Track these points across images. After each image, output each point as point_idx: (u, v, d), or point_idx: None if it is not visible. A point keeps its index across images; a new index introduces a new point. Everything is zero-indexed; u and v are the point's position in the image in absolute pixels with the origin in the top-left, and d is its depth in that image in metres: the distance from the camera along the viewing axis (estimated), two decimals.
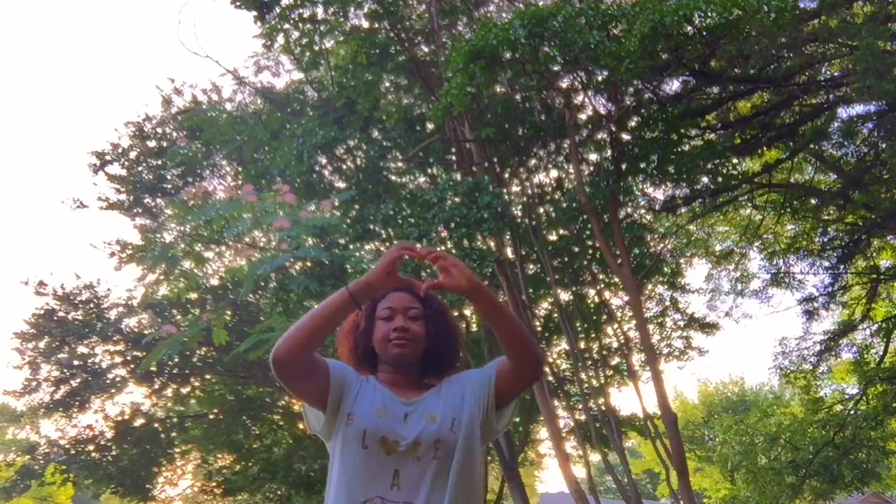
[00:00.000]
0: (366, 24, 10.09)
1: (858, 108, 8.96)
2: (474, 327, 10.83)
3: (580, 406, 10.98)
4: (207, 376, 13.29)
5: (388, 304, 1.80)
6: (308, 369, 1.69)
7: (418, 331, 1.78)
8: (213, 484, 15.37)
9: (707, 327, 12.06)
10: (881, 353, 12.33)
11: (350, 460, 1.65)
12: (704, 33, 7.36)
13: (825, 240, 11.71)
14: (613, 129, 8.86)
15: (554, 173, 10.90)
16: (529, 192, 10.48)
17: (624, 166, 8.89)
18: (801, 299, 11.94)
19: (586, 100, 9.34)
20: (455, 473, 1.62)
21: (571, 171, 9.57)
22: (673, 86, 9.38)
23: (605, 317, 11.12)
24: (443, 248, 8.99)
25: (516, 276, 9.47)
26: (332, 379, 1.71)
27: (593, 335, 11.14)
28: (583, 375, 10.26)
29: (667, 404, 7.96)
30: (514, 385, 1.77)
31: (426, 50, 10.55)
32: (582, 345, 10.66)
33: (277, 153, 9.39)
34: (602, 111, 9.15)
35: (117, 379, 12.77)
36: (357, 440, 1.64)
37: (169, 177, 12.41)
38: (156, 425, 14.10)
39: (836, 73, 9.13)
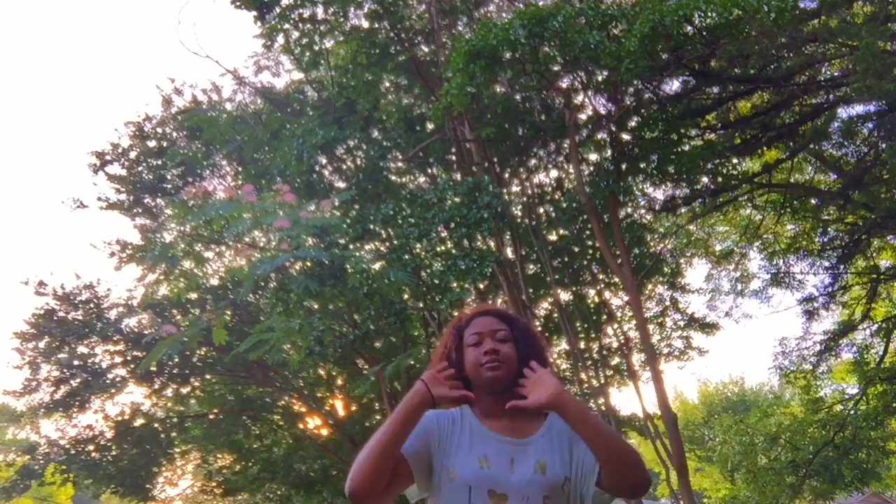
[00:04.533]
0: (366, 24, 10.09)
1: (858, 108, 8.97)
2: None
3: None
4: (207, 376, 13.30)
5: (476, 330, 1.79)
6: (391, 483, 1.63)
7: (509, 352, 1.75)
8: (213, 484, 15.38)
9: (707, 327, 12.06)
10: (881, 353, 12.32)
11: None
12: (704, 33, 7.36)
13: (825, 240, 11.70)
14: (613, 129, 8.86)
15: (554, 173, 10.92)
16: (529, 192, 10.48)
17: (624, 166, 8.89)
18: (801, 299, 11.94)
19: (586, 100, 9.34)
20: None
21: (571, 171, 9.58)
22: (673, 86, 9.39)
23: (605, 317, 11.12)
24: (442, 248, 9.00)
25: (516, 276, 9.47)
26: (414, 466, 1.66)
27: (593, 335, 11.14)
28: (583, 375, 10.25)
29: (667, 404, 7.96)
30: (612, 491, 1.69)
31: (426, 50, 10.55)
32: (582, 345, 10.66)
33: (277, 153, 9.39)
34: (602, 111, 9.15)
35: (117, 379, 12.77)
36: (463, 495, 1.60)
37: (169, 177, 12.40)
38: (156, 425, 14.11)
39: (836, 73, 9.13)
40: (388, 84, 10.79)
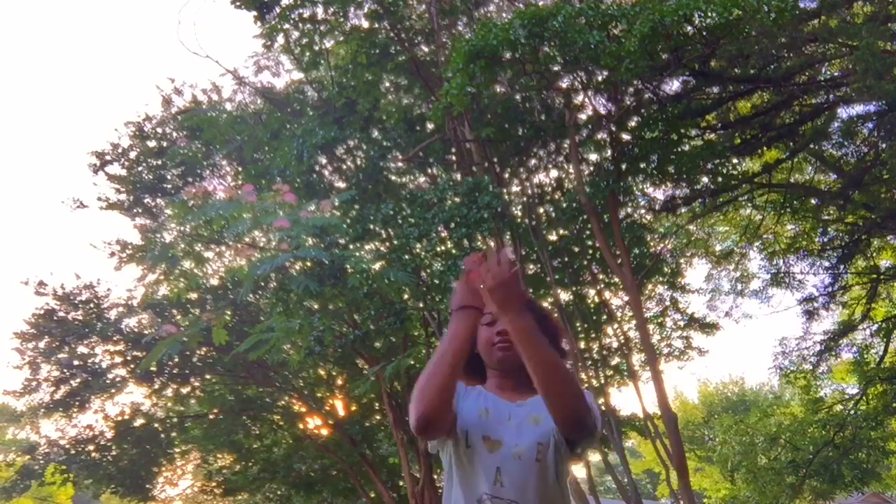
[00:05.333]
0: (366, 24, 10.09)
1: (858, 108, 8.97)
2: None
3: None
4: (207, 376, 13.29)
5: (490, 310, 1.80)
6: (450, 416, 1.67)
7: None
8: (213, 484, 15.39)
9: (707, 327, 12.05)
10: (881, 353, 12.33)
11: (460, 461, 1.68)
12: (704, 33, 7.37)
13: (825, 240, 11.71)
14: (613, 129, 8.86)
15: (554, 173, 10.91)
16: (529, 192, 10.47)
17: (624, 166, 8.89)
18: (801, 299, 11.95)
19: (586, 100, 9.34)
20: (562, 477, 1.67)
21: (571, 171, 9.58)
22: (673, 86, 9.39)
23: (605, 317, 11.12)
24: (442, 248, 9.00)
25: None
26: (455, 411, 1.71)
27: (593, 335, 11.14)
28: (583, 375, 10.25)
29: (667, 404, 7.97)
30: (561, 429, 1.66)
31: (426, 50, 10.55)
32: (582, 345, 10.67)
33: (277, 153, 9.39)
34: (602, 111, 9.15)
35: (117, 379, 12.77)
36: (462, 440, 1.68)
37: (169, 177, 12.40)
38: (156, 425, 14.11)
39: (836, 73, 9.13)
40: (388, 84, 10.78)
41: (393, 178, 10.72)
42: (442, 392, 1.58)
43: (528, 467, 1.64)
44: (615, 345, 11.55)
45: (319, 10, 9.85)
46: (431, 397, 1.57)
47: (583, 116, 9.47)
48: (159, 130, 12.86)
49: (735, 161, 10.31)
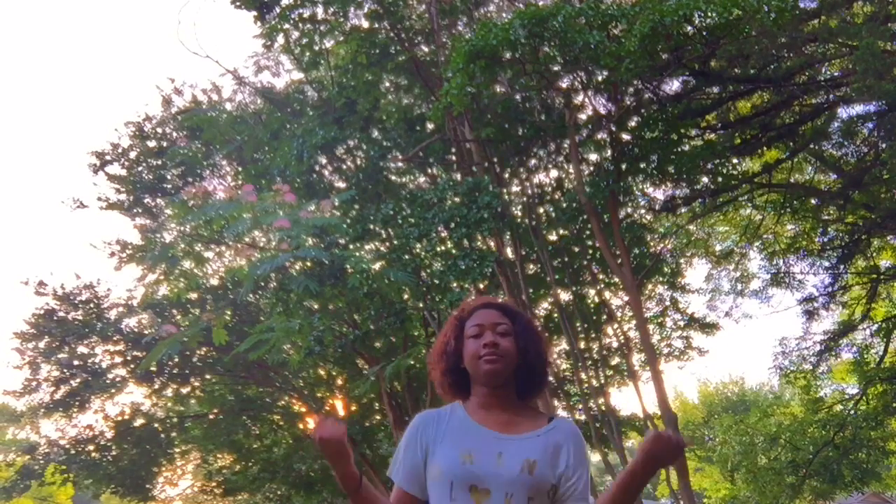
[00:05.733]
0: (366, 24, 10.09)
1: (858, 108, 8.97)
2: None
3: (580, 406, 10.98)
4: (207, 376, 13.30)
5: (477, 322, 1.76)
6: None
7: (508, 346, 1.72)
8: (213, 484, 15.39)
9: (707, 327, 12.05)
10: (881, 353, 12.33)
11: None
12: (704, 33, 7.36)
13: (825, 240, 11.71)
14: (613, 129, 8.86)
15: (554, 173, 10.91)
16: (529, 192, 10.47)
17: (624, 166, 8.89)
18: (801, 299, 11.95)
19: (586, 100, 9.33)
20: None
21: (571, 171, 9.57)
22: (673, 86, 9.39)
23: (605, 317, 11.11)
24: (442, 248, 8.99)
25: (516, 276, 9.47)
26: (413, 490, 1.68)
27: (593, 335, 11.14)
28: (583, 375, 10.25)
29: (667, 404, 7.96)
30: None
31: (426, 50, 10.55)
32: (582, 345, 10.66)
33: (277, 153, 9.39)
34: (602, 111, 9.15)
35: (117, 379, 12.77)
36: (445, 492, 1.58)
37: (169, 177, 12.40)
38: (156, 425, 14.11)
39: (836, 73, 9.13)
40: (388, 84, 10.78)
41: (393, 178, 10.72)
42: None
43: None
44: (615, 345, 11.55)
45: (319, 10, 9.85)
46: None
47: (583, 116, 9.46)
48: (159, 130, 12.87)
49: (735, 161, 10.31)
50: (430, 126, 9.75)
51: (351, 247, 9.01)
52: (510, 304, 1.91)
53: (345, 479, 1.62)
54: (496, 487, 1.55)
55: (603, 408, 10.40)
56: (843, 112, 9.31)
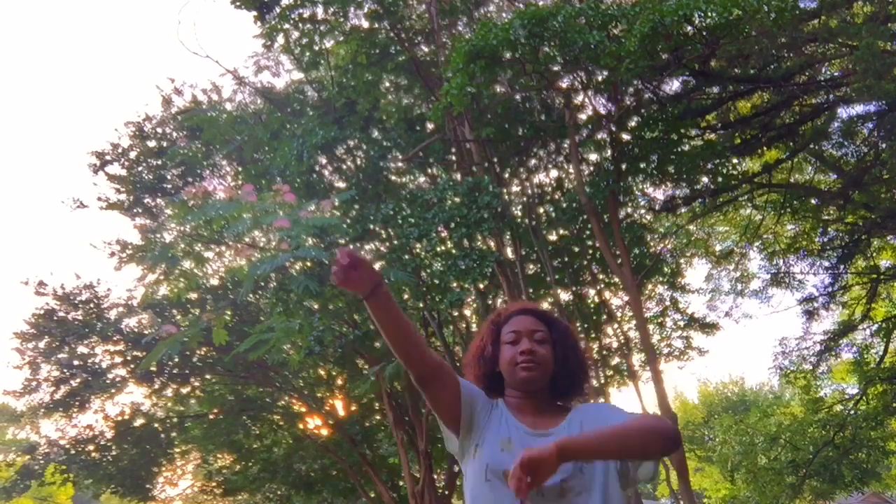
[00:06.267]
0: (366, 24, 10.09)
1: (858, 108, 8.98)
2: None
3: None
4: (207, 376, 13.29)
5: (513, 328, 1.77)
6: (433, 374, 1.70)
7: (545, 354, 1.73)
8: (213, 484, 15.39)
9: (707, 327, 12.05)
10: (881, 353, 12.32)
11: (477, 492, 1.63)
12: (704, 33, 7.37)
13: (825, 240, 11.70)
14: (613, 129, 8.86)
15: (554, 173, 10.91)
16: (529, 192, 10.48)
17: (624, 166, 8.89)
18: (801, 299, 11.95)
19: (586, 100, 9.34)
20: None
21: (571, 171, 9.58)
22: (673, 86, 9.39)
23: (605, 317, 11.12)
24: (442, 248, 9.00)
25: (516, 276, 9.47)
26: (463, 396, 1.70)
27: (593, 335, 11.14)
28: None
29: (667, 404, 7.97)
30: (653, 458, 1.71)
31: (426, 50, 10.55)
32: (582, 345, 10.65)
33: (277, 153, 9.39)
34: (602, 111, 9.15)
35: (117, 379, 12.77)
36: (481, 472, 1.62)
37: (169, 177, 12.40)
38: (156, 425, 14.11)
39: (836, 73, 9.13)
40: (388, 84, 10.78)
41: (393, 178, 10.72)
42: (398, 349, 1.67)
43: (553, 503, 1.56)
44: (615, 345, 11.56)
45: (319, 10, 9.85)
46: (405, 361, 1.68)
47: (583, 116, 9.47)
48: (159, 130, 12.86)
49: (735, 161, 10.30)
50: (430, 126, 9.75)
51: (351, 247, 9.00)
52: (548, 311, 1.92)
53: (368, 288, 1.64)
54: None
55: None
56: (843, 112, 9.32)
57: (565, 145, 9.34)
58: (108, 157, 12.49)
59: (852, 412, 12.69)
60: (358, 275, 1.62)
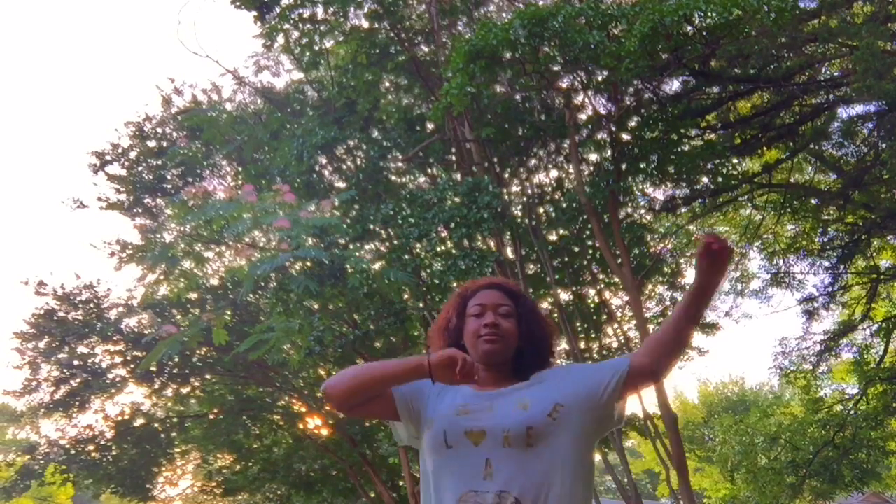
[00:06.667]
0: (366, 24, 10.09)
1: (858, 108, 8.97)
2: None
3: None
4: (207, 376, 13.29)
5: (479, 301, 1.77)
6: (368, 406, 1.73)
7: (509, 328, 1.73)
8: (213, 484, 15.39)
9: (707, 327, 12.05)
10: (881, 353, 12.32)
11: (438, 462, 1.61)
12: (704, 33, 7.36)
13: (825, 240, 11.70)
14: (613, 129, 8.86)
15: (554, 173, 10.91)
16: (529, 192, 10.47)
17: (624, 166, 8.89)
18: (801, 299, 11.94)
19: (586, 100, 9.33)
20: (559, 461, 1.55)
21: (571, 171, 9.57)
22: (673, 86, 9.38)
23: (605, 317, 11.11)
24: (442, 248, 9.00)
25: (516, 276, 9.47)
26: (399, 400, 1.72)
27: (593, 335, 11.14)
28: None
29: (667, 404, 7.97)
30: (641, 386, 1.84)
31: (426, 50, 10.55)
32: (582, 345, 10.66)
33: (277, 153, 9.39)
34: (602, 111, 9.15)
35: (117, 379, 12.77)
36: (440, 441, 1.60)
37: (169, 177, 12.40)
38: (156, 425, 14.11)
39: (836, 73, 9.13)
40: (388, 84, 10.78)
41: (393, 178, 10.72)
42: (351, 394, 1.67)
43: (520, 454, 1.53)
44: (615, 345, 11.55)
45: (319, 10, 9.85)
46: (342, 390, 1.67)
47: (583, 116, 9.46)
48: (159, 130, 12.87)
49: (735, 161, 10.29)
50: (430, 126, 9.74)
51: (351, 247, 9.01)
52: (515, 285, 1.91)
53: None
54: (491, 427, 1.57)
55: None
56: (843, 112, 9.31)
57: (565, 145, 9.33)
58: (108, 157, 12.49)
59: (852, 412, 12.69)
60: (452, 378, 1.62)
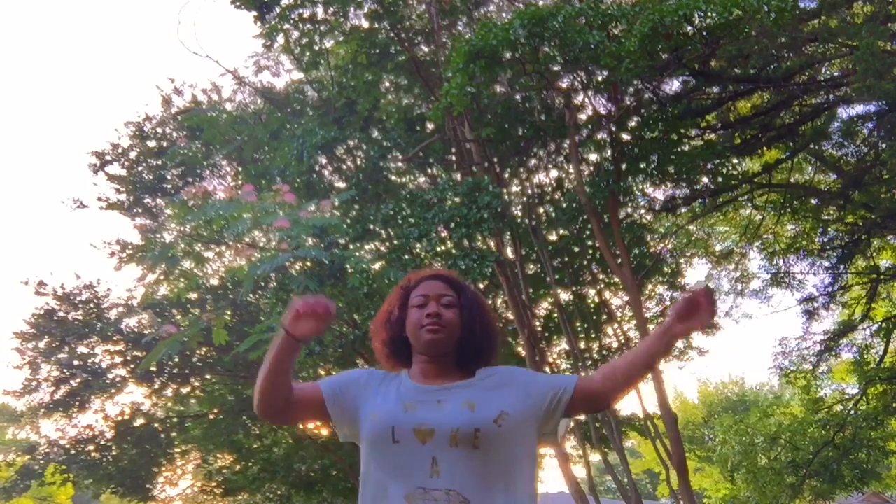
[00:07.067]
0: (366, 24, 10.10)
1: (858, 108, 8.97)
2: None
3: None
4: (207, 376, 13.29)
5: (422, 292, 1.76)
6: (297, 409, 1.71)
7: (452, 318, 1.72)
8: (213, 484, 15.38)
9: (707, 327, 12.03)
10: (881, 353, 12.31)
11: (384, 458, 1.59)
12: (704, 33, 7.37)
13: (825, 240, 11.70)
14: (613, 129, 8.86)
15: (554, 173, 10.91)
16: (529, 192, 10.48)
17: (624, 166, 8.89)
18: (801, 299, 11.93)
19: (586, 100, 9.34)
20: (503, 465, 1.57)
21: (571, 171, 9.58)
22: (673, 86, 9.39)
23: (605, 317, 11.11)
24: (442, 248, 8.99)
25: (516, 276, 9.47)
26: (328, 399, 1.70)
27: (593, 335, 11.14)
28: (582, 375, 10.24)
29: (667, 404, 7.97)
30: (588, 409, 1.83)
31: (426, 50, 10.55)
32: (582, 345, 10.66)
33: (277, 153, 9.39)
34: (602, 111, 9.15)
35: (117, 379, 12.77)
36: (387, 437, 1.58)
37: (169, 177, 12.41)
38: (156, 425, 14.10)
39: (836, 73, 9.13)
40: (388, 84, 10.78)
41: (393, 178, 10.72)
42: (267, 392, 1.66)
43: (466, 454, 1.53)
44: (615, 345, 11.55)
45: (319, 10, 9.86)
46: (260, 398, 1.67)
47: (583, 116, 9.47)
48: (159, 130, 12.87)
49: (735, 161, 10.30)
50: (430, 126, 9.75)
51: (351, 247, 9.01)
52: (456, 275, 1.89)
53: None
54: (440, 426, 1.56)
55: None
56: (843, 112, 9.32)
57: (565, 145, 9.34)
58: (108, 157, 12.50)
59: (852, 412, 12.69)
60: (317, 325, 1.63)
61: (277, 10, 9.64)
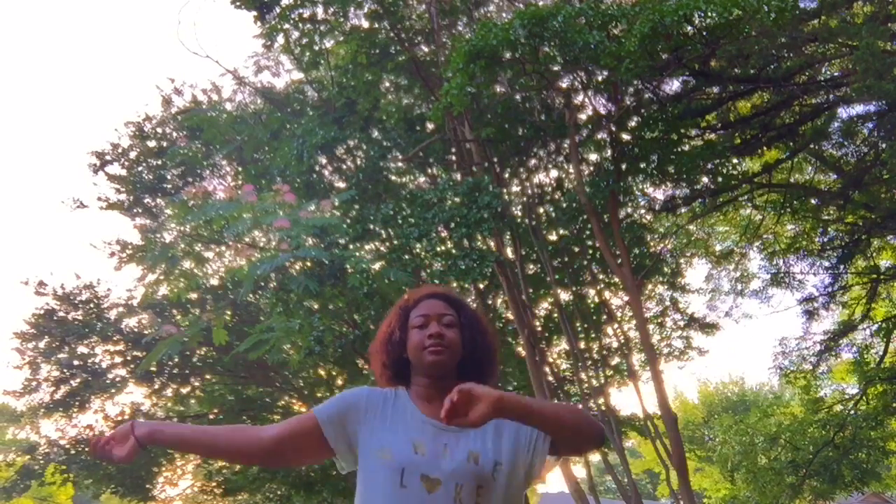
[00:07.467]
0: (366, 24, 10.10)
1: (858, 108, 8.97)
2: None
3: (580, 406, 10.97)
4: (207, 376, 13.30)
5: (422, 312, 1.74)
6: (287, 446, 1.69)
7: (454, 338, 1.70)
8: (213, 484, 15.38)
9: (707, 327, 12.05)
10: (881, 353, 12.31)
11: (387, 500, 1.57)
12: (704, 33, 7.37)
13: (825, 240, 11.69)
14: (613, 129, 8.86)
15: (554, 173, 10.91)
16: (529, 192, 10.48)
17: (624, 166, 8.89)
18: (801, 299, 11.93)
19: (586, 100, 9.34)
20: None
21: (571, 171, 9.58)
22: (673, 86, 9.39)
23: (605, 317, 11.11)
24: (442, 248, 8.99)
25: (516, 276, 9.47)
26: (324, 423, 1.67)
27: (593, 335, 11.14)
28: (583, 375, 10.25)
29: (667, 404, 7.97)
30: (572, 453, 1.78)
31: (426, 50, 10.55)
32: (582, 345, 10.66)
33: (277, 153, 9.39)
34: (602, 111, 9.15)
35: (117, 379, 12.77)
36: (396, 480, 1.56)
37: (169, 177, 12.41)
38: None
39: (836, 73, 9.13)
40: (388, 84, 10.79)
41: (393, 178, 10.72)
42: (235, 462, 1.69)
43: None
44: (615, 345, 11.55)
45: (319, 10, 9.86)
46: (238, 463, 1.70)
47: (583, 116, 9.47)
48: (159, 130, 12.87)
49: (735, 161, 10.30)
50: (430, 126, 9.75)
51: (351, 247, 9.01)
52: (455, 294, 1.88)
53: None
54: (446, 478, 1.55)
55: (603, 408, 10.40)
56: (843, 112, 9.31)
57: (565, 145, 9.34)
58: (108, 157, 12.51)
59: (852, 412, 12.69)
60: (120, 449, 1.63)
61: (277, 10, 9.64)
